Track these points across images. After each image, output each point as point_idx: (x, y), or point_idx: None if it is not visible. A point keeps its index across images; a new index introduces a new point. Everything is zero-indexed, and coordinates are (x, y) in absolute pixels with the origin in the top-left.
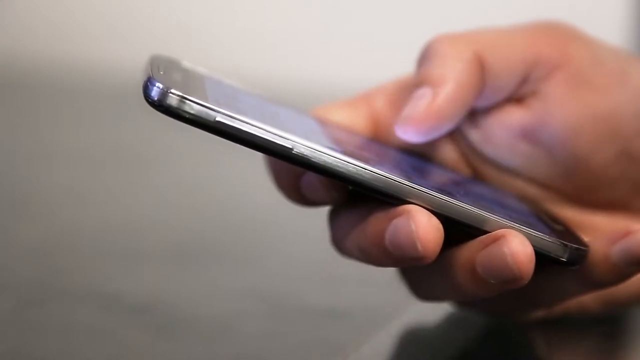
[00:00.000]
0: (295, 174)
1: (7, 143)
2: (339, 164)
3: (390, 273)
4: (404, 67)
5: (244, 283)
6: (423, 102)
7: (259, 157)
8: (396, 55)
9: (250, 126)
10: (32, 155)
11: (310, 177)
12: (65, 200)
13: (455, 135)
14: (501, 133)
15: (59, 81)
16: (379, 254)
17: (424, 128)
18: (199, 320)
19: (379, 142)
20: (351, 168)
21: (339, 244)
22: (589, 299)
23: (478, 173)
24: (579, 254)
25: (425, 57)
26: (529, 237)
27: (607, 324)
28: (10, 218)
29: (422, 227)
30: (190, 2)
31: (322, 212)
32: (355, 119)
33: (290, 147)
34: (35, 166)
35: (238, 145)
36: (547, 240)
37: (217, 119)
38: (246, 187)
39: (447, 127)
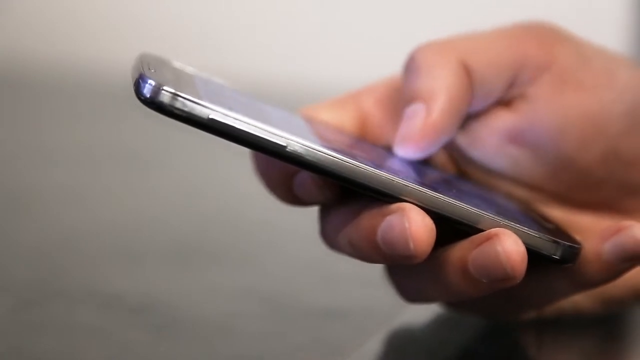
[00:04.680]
0: (287, 173)
1: (7, 143)
2: (333, 162)
3: None
4: (399, 66)
5: (244, 283)
6: (418, 120)
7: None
8: (391, 54)
9: (243, 124)
10: (32, 155)
11: (303, 176)
12: (65, 200)
13: None
14: (489, 137)
15: (59, 81)
16: (369, 250)
17: (423, 145)
18: (199, 320)
19: (367, 141)
20: (346, 166)
21: (330, 238)
22: (583, 299)
23: (466, 176)
24: (572, 251)
25: (410, 69)
26: (522, 235)
27: (604, 325)
28: (10, 218)
29: (415, 225)
30: (190, 2)
31: None
32: (343, 119)
33: (285, 144)
34: (35, 166)
35: (236, 145)
36: (541, 238)
37: (211, 116)
38: (246, 187)
39: (445, 139)
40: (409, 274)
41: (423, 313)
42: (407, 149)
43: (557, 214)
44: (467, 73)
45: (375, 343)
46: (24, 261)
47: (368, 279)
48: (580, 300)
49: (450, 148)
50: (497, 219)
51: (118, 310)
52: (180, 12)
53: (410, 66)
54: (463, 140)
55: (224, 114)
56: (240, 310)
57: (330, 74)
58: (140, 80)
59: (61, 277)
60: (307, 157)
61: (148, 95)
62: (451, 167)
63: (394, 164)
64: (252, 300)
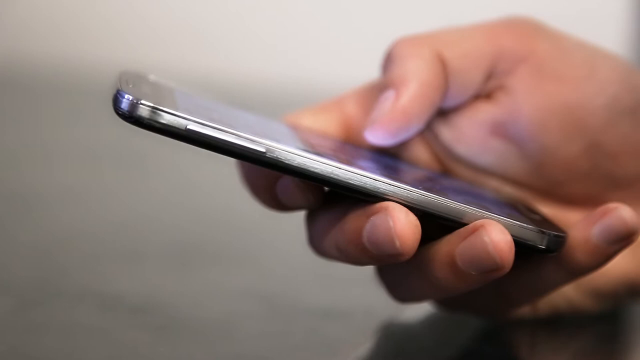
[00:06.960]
0: (270, 179)
1: (7, 143)
2: (313, 165)
3: None
4: None
5: (244, 283)
6: (387, 104)
7: None
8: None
9: (221, 132)
10: (32, 155)
11: (285, 181)
12: (65, 200)
13: (427, 135)
14: (472, 130)
15: (59, 81)
16: (357, 252)
17: (391, 129)
18: (199, 320)
19: (352, 145)
20: (326, 168)
21: (317, 244)
22: (575, 295)
23: (451, 173)
24: (557, 240)
25: (387, 61)
26: (507, 226)
27: (600, 325)
28: (10, 218)
29: (399, 223)
30: (190, 2)
31: None
32: (327, 124)
33: (264, 150)
34: (35, 166)
35: None
36: (525, 228)
37: (189, 127)
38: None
39: (415, 126)
40: (398, 273)
41: (423, 313)
42: (375, 134)
43: (544, 210)
44: (442, 64)
45: (375, 343)
46: (24, 261)
47: (368, 279)
48: (573, 295)
49: (436, 145)
50: (482, 212)
51: (118, 310)
52: (180, 12)
53: (387, 58)
54: (447, 136)
55: (201, 124)
56: (240, 310)
57: (330, 74)
58: (118, 95)
59: (61, 277)
60: (287, 162)
61: (126, 110)
62: (436, 167)
63: (378, 165)
64: (252, 300)
